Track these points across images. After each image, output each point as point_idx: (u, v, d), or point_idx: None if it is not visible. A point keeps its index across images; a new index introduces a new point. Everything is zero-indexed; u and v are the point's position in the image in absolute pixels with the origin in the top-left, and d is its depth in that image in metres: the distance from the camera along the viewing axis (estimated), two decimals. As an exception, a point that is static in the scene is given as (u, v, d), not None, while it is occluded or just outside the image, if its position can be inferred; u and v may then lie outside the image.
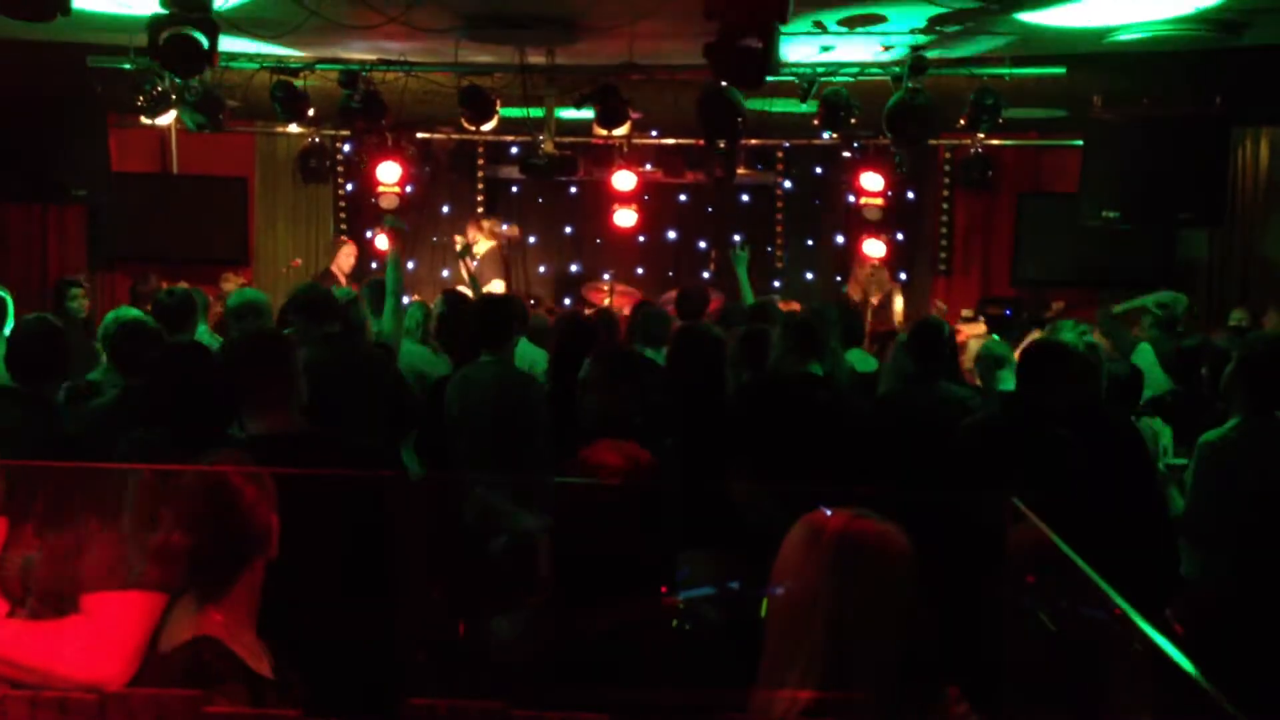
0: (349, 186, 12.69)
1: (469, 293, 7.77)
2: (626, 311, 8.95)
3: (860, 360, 6.47)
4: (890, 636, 1.88)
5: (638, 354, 5.25)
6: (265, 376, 3.31)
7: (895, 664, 1.88)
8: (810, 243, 13.08)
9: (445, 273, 13.39)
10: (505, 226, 11.89)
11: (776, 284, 12.64)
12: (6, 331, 5.42)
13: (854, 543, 1.90)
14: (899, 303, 10.92)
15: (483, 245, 11.17)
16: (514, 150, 12.40)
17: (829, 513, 1.94)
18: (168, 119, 8.48)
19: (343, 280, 10.22)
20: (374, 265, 11.27)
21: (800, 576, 1.89)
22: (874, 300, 10.84)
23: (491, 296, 6.26)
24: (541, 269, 13.51)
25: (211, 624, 2.24)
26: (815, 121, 8.79)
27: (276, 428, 3.26)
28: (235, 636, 2.27)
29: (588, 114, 8.70)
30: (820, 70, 8.21)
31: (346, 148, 12.33)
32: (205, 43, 5.68)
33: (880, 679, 1.87)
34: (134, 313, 5.00)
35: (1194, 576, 4.41)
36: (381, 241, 12.25)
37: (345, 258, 10.81)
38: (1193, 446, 4.54)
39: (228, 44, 7.19)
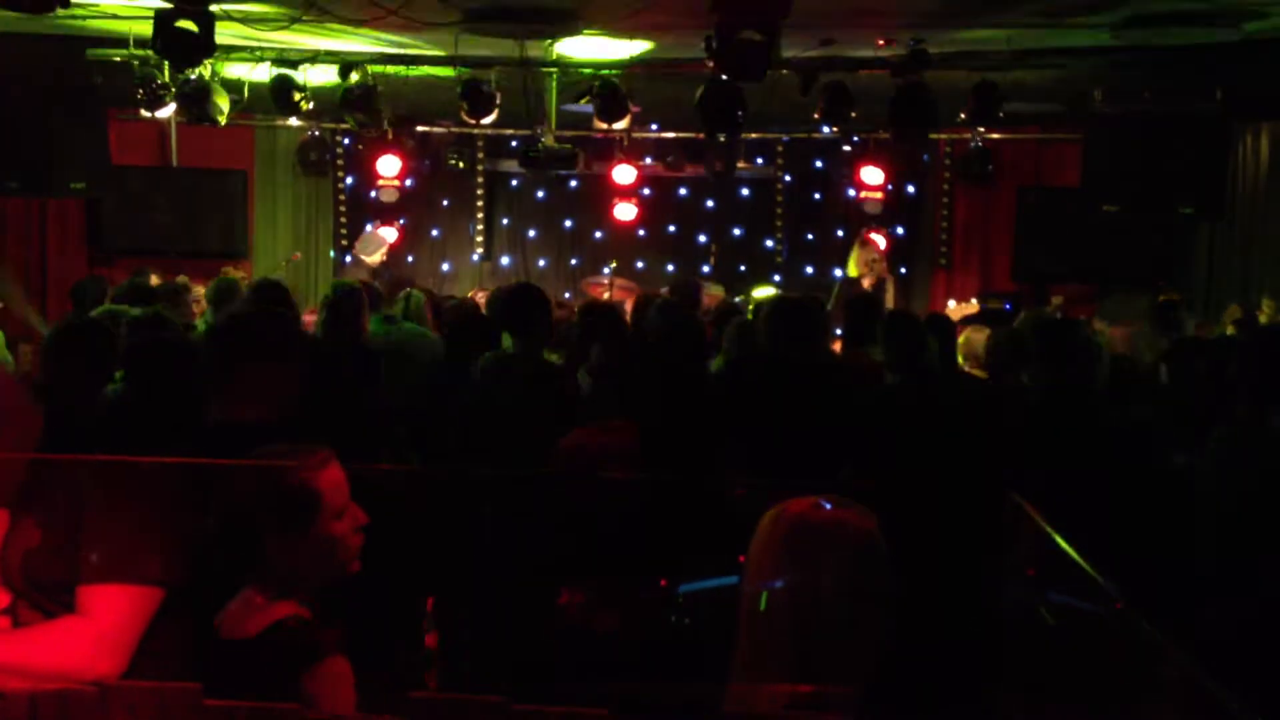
0: (349, 180, 12.67)
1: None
2: (628, 306, 8.90)
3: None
4: (860, 626, 1.81)
5: None
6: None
7: (872, 654, 1.82)
8: (810, 236, 13.06)
9: (446, 266, 13.38)
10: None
11: (777, 278, 12.63)
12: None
13: (806, 531, 1.85)
14: (889, 296, 10.87)
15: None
16: (514, 144, 12.38)
17: (792, 502, 1.89)
18: (167, 112, 8.47)
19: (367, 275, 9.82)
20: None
21: (761, 568, 1.85)
22: (866, 283, 10.80)
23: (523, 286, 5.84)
24: (542, 263, 13.50)
25: (287, 608, 2.18)
26: (816, 115, 8.77)
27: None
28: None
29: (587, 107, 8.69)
30: (820, 64, 8.18)
31: (346, 141, 12.32)
32: (203, 35, 5.68)
33: (857, 669, 1.81)
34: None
35: (1215, 581, 4.39)
36: (385, 234, 12.24)
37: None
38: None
39: (226, 37, 7.18)
